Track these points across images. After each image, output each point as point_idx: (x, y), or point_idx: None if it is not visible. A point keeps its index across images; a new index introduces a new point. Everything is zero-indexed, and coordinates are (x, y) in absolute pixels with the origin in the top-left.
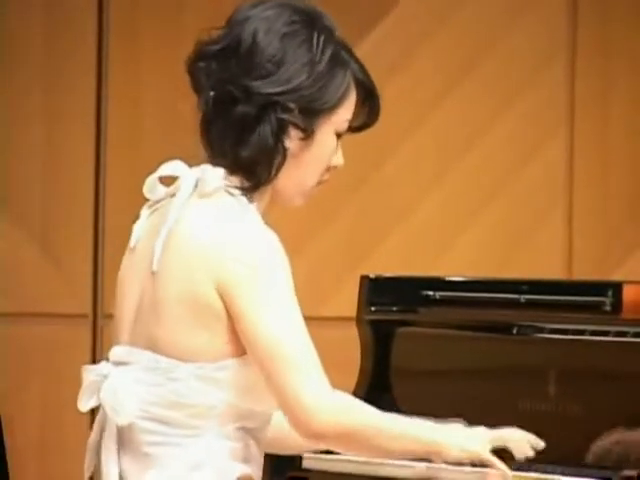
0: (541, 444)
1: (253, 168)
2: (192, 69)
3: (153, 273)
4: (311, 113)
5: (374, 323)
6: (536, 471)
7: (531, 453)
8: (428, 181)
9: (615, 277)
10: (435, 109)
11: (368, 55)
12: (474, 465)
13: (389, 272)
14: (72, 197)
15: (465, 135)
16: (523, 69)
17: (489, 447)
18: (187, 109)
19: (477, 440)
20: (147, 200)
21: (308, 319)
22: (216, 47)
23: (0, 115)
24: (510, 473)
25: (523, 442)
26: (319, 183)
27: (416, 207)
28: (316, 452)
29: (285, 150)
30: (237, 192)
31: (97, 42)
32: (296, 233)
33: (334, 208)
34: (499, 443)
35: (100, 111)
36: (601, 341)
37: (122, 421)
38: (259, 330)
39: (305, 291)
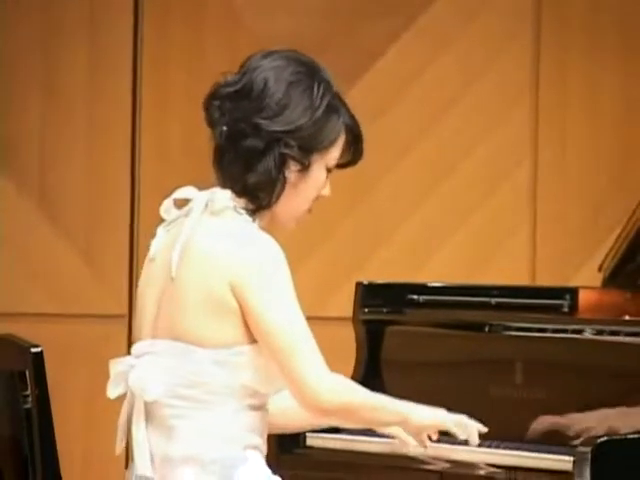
0: (484, 429)
1: (257, 193)
2: (208, 105)
3: (172, 279)
4: (308, 150)
5: (367, 322)
6: (505, 448)
7: (476, 440)
8: (413, 202)
9: (572, 283)
10: (420, 141)
11: (357, 101)
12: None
13: (380, 279)
14: (111, 212)
15: (445, 163)
16: (494, 107)
17: (450, 422)
18: (209, 132)
19: (440, 415)
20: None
21: (312, 319)
22: (231, 89)
23: (47, 135)
24: (477, 441)
25: (471, 428)
26: (309, 210)
27: (403, 224)
28: (318, 431)
29: (285, 179)
30: (243, 212)
31: (132, 67)
32: (301, 246)
33: (333, 226)
34: (457, 425)
35: (135, 131)
36: (560, 338)
37: (149, 398)
38: (267, 324)
39: (309, 295)
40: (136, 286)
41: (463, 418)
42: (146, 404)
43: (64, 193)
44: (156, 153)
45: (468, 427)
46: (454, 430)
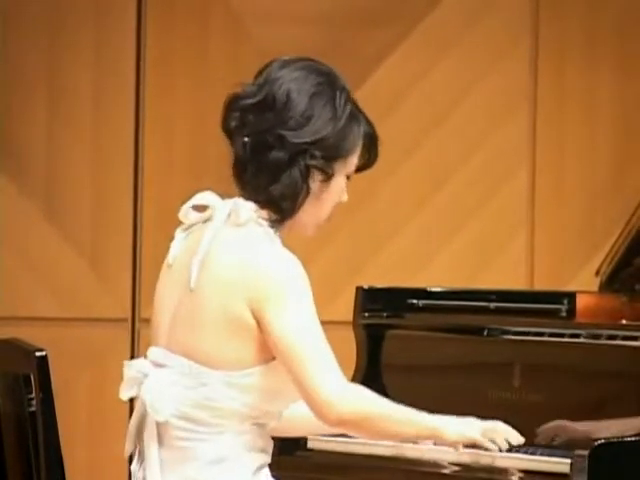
0: (522, 440)
1: (281, 204)
2: (226, 116)
3: (191, 290)
4: (332, 159)
5: (367, 327)
6: (509, 451)
7: (505, 446)
8: (412, 206)
9: (570, 288)
10: (420, 145)
11: (367, 97)
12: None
13: (380, 283)
14: (114, 216)
15: (444, 167)
16: (493, 111)
17: (481, 433)
18: (212, 143)
19: (472, 427)
20: (181, 223)
21: None
22: (251, 101)
23: (52, 136)
24: (498, 454)
25: (502, 436)
26: (329, 217)
27: (402, 229)
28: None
29: (309, 189)
30: (265, 223)
31: (136, 67)
32: (302, 252)
33: (334, 231)
34: (488, 433)
35: (138, 132)
36: (558, 342)
37: (160, 418)
38: (286, 339)
39: None
40: (140, 290)
41: (496, 428)
42: (157, 423)
43: (69, 197)
44: (160, 155)
45: (497, 439)
46: (487, 445)
